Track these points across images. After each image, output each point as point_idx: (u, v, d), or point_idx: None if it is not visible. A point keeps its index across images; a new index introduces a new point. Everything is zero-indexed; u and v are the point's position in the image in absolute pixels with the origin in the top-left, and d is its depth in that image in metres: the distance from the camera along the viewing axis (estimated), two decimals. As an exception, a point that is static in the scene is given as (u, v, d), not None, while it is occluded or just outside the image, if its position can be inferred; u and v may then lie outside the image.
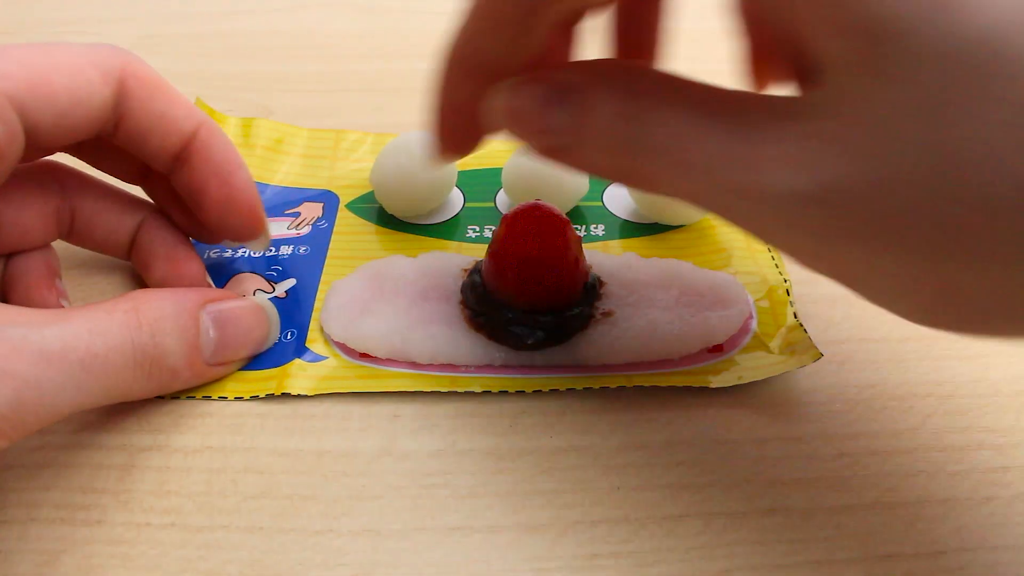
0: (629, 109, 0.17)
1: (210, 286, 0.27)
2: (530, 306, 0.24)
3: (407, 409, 0.24)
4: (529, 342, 0.24)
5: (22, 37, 0.42)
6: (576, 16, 0.22)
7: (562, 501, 0.21)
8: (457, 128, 0.21)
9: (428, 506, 0.21)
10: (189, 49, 0.42)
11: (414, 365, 0.25)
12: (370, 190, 0.31)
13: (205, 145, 0.25)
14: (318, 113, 0.35)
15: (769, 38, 0.19)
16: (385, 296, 0.26)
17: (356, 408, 0.24)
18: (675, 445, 0.23)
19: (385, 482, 0.22)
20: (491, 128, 0.20)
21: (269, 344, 0.25)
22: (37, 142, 0.21)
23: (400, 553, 0.20)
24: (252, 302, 0.25)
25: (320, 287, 0.27)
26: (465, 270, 0.26)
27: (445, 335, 0.24)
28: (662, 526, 0.21)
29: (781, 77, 0.21)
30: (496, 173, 0.32)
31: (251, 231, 0.26)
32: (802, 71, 0.17)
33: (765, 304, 0.26)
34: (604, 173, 0.19)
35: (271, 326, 0.25)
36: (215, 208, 0.25)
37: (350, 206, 0.31)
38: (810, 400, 0.24)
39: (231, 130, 0.33)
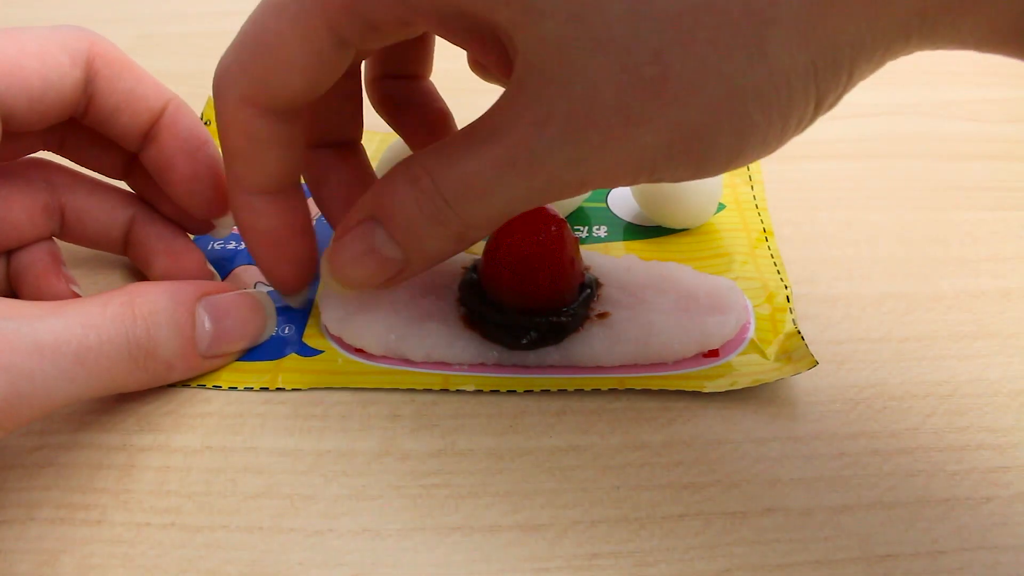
0: (419, 187, 0.20)
1: (213, 276, 0.27)
2: (525, 306, 0.24)
3: (407, 409, 0.24)
4: (523, 342, 0.24)
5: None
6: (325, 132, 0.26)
7: (562, 501, 0.21)
8: (268, 248, 0.24)
9: (428, 506, 0.21)
10: (189, 49, 0.42)
11: (408, 362, 0.25)
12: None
13: (172, 121, 0.25)
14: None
15: (478, 43, 0.22)
16: (383, 291, 0.26)
17: (356, 408, 0.24)
18: (675, 445, 0.23)
19: (385, 482, 0.22)
20: (343, 289, 0.23)
21: (265, 337, 0.25)
22: (12, 127, 0.22)
23: (400, 553, 0.20)
24: (249, 294, 0.25)
25: (319, 282, 0.27)
26: (464, 267, 0.26)
27: (440, 332, 0.24)
28: (662, 526, 0.21)
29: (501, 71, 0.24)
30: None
31: (219, 207, 0.26)
32: (503, 59, 0.20)
33: (765, 310, 0.26)
34: (445, 249, 0.21)
35: (268, 319, 0.25)
36: (182, 183, 0.25)
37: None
38: (810, 400, 0.24)
39: None
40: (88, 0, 0.47)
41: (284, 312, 0.26)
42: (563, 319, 0.24)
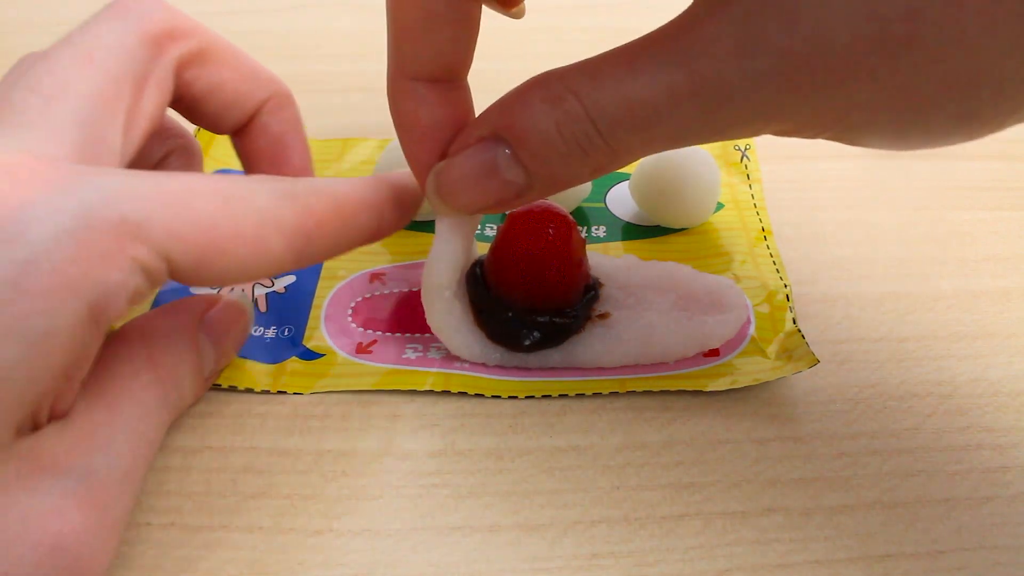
0: (562, 110, 0.18)
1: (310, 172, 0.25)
2: (529, 305, 0.24)
3: (407, 409, 0.24)
4: (526, 343, 0.24)
5: (23, 36, 0.42)
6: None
7: (562, 501, 0.21)
8: (432, 157, 0.22)
9: (428, 506, 0.21)
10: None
11: (410, 362, 0.25)
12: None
13: (265, 123, 0.24)
14: (318, 113, 0.35)
15: None
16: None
17: (356, 408, 0.24)
18: (675, 445, 0.23)
19: (384, 482, 0.22)
20: (451, 213, 0.21)
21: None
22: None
23: (400, 553, 0.20)
24: (234, 302, 0.24)
25: (319, 285, 0.27)
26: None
27: (448, 324, 0.24)
28: (662, 526, 0.21)
29: None
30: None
31: None
32: None
33: (764, 309, 0.26)
34: (575, 180, 0.19)
35: (251, 319, 0.25)
36: None
37: (351, 205, 0.31)
38: (810, 400, 0.24)
39: None
40: (88, 0, 0.47)
41: (284, 314, 0.26)
42: (566, 320, 0.24)
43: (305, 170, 0.25)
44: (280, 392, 0.24)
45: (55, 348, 0.16)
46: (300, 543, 0.20)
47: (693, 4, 0.17)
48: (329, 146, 0.33)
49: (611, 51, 0.18)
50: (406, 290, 0.27)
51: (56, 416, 0.18)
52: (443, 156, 0.21)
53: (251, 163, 0.24)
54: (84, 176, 0.17)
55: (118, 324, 0.20)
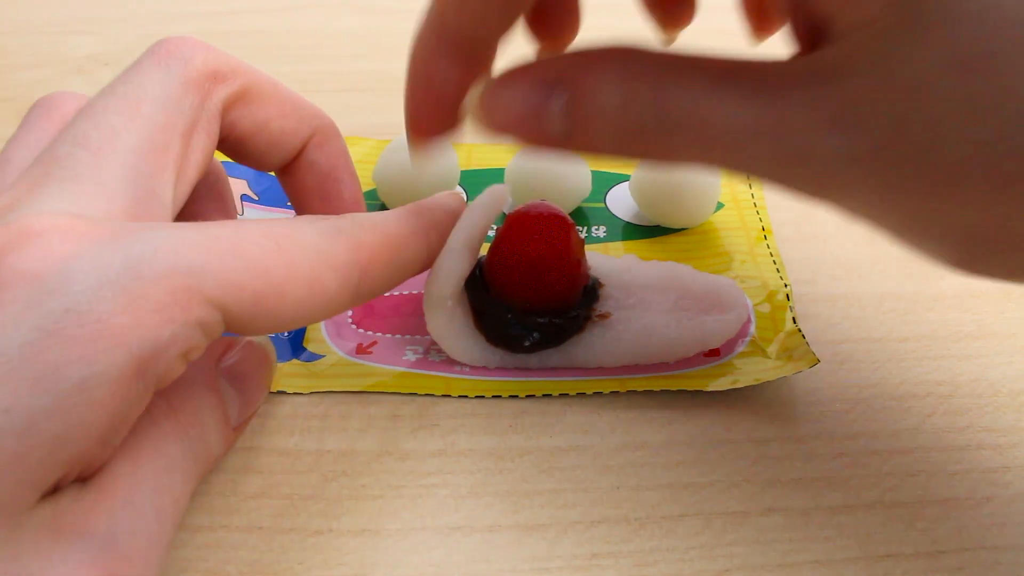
0: (633, 92, 0.17)
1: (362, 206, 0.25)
2: (529, 306, 0.24)
3: (407, 409, 0.24)
4: (525, 344, 0.24)
5: (23, 36, 0.42)
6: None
7: (562, 501, 0.21)
8: (431, 109, 0.21)
9: (428, 506, 0.21)
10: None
11: (410, 364, 0.25)
12: (373, 188, 0.31)
13: (312, 159, 0.23)
14: (318, 113, 0.35)
15: None
16: None
17: (356, 408, 0.24)
18: (675, 445, 0.23)
19: (385, 482, 0.22)
20: (479, 128, 0.20)
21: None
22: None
23: (400, 553, 0.20)
24: (254, 344, 0.22)
25: None
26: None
27: (449, 328, 0.24)
28: (662, 526, 0.21)
29: (776, 29, 0.22)
30: (499, 173, 0.32)
31: None
32: (806, 25, 0.17)
33: (765, 308, 0.26)
34: (610, 155, 0.19)
35: (274, 360, 0.23)
36: None
37: (351, 205, 0.31)
38: (810, 400, 0.24)
39: None
40: (88, 0, 0.47)
41: None
42: (565, 321, 0.24)
43: (357, 204, 0.24)
44: (280, 392, 0.24)
45: (93, 403, 0.15)
46: (300, 543, 0.20)
47: (801, 52, 0.17)
48: None
49: (704, 58, 0.17)
50: (407, 292, 0.27)
51: (80, 479, 0.16)
52: (443, 120, 0.21)
53: (301, 200, 0.24)
54: (132, 231, 0.16)
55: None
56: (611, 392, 0.24)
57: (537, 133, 0.19)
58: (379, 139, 0.34)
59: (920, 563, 0.20)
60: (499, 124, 0.19)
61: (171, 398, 0.18)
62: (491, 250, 0.25)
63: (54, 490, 0.16)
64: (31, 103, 0.21)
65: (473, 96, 0.20)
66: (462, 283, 0.23)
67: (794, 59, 0.17)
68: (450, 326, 0.24)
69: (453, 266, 0.23)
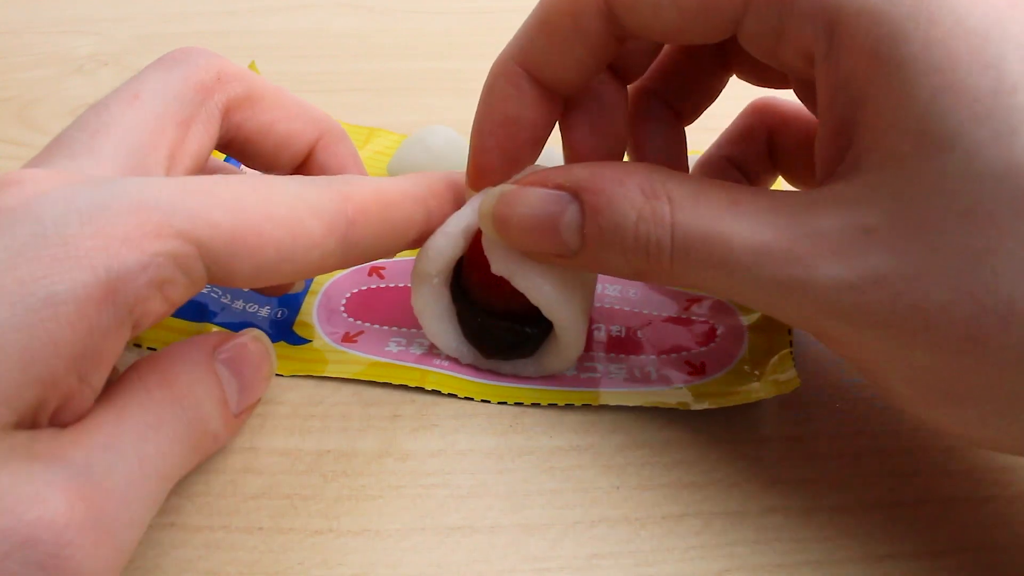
0: (648, 210, 0.18)
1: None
2: (501, 309, 0.23)
3: (407, 409, 0.24)
4: (494, 349, 0.24)
5: (23, 36, 0.42)
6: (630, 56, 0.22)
7: (562, 501, 0.21)
8: (505, 147, 0.21)
9: (428, 506, 0.21)
10: (189, 49, 0.42)
11: (391, 355, 0.25)
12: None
13: (319, 163, 0.24)
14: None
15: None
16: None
17: (356, 408, 0.24)
18: (675, 444, 0.23)
19: (385, 482, 0.22)
20: (490, 232, 0.21)
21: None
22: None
23: (400, 553, 0.20)
24: (250, 335, 0.21)
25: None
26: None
27: (432, 314, 0.24)
28: (662, 526, 0.21)
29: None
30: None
31: None
32: (829, 154, 0.18)
33: (760, 327, 0.26)
34: (617, 273, 0.19)
35: (273, 354, 0.23)
36: None
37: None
38: (810, 400, 0.24)
39: None
40: (88, 0, 0.47)
41: (282, 298, 0.26)
42: (537, 330, 0.23)
43: None
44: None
45: (59, 319, 0.15)
46: (300, 543, 0.20)
47: (820, 188, 0.17)
48: (355, 132, 0.34)
49: (720, 182, 0.18)
50: (402, 285, 0.27)
51: (61, 424, 0.16)
52: (506, 154, 0.21)
53: None
54: (107, 178, 0.17)
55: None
56: (583, 404, 0.24)
57: (552, 243, 0.19)
58: (400, 133, 0.34)
59: (920, 563, 0.20)
60: (515, 236, 0.20)
61: (165, 371, 0.19)
62: (467, 249, 0.24)
63: (33, 426, 0.16)
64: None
65: (485, 206, 0.21)
66: (451, 265, 0.23)
67: (813, 191, 0.17)
68: (433, 305, 0.24)
69: (445, 246, 0.22)
